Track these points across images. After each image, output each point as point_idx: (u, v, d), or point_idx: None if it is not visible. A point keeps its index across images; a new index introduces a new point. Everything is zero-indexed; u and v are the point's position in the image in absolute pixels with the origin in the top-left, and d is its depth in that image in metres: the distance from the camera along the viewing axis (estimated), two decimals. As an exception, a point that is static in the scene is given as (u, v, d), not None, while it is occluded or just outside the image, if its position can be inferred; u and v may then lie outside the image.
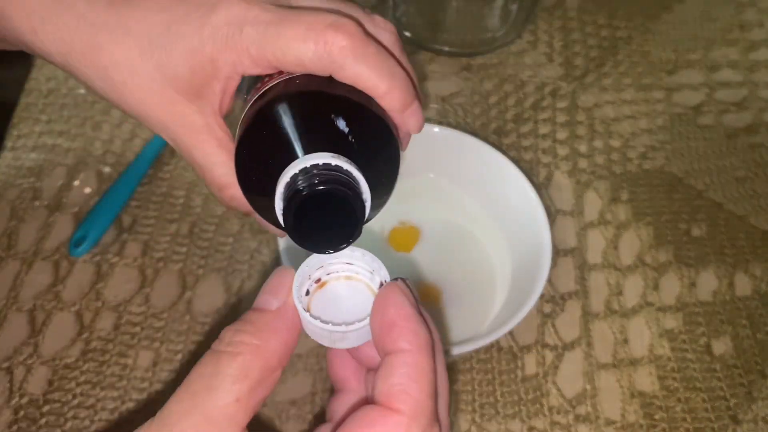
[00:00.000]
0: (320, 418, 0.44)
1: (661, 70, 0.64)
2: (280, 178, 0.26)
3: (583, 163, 0.57)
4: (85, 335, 0.47)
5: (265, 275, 0.49)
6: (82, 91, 0.60)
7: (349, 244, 0.27)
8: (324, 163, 0.25)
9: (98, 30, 0.28)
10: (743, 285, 0.51)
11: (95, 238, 0.50)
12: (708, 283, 0.51)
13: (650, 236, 0.53)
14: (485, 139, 0.49)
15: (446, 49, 0.64)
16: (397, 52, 0.30)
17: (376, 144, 0.28)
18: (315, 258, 0.28)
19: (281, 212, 0.26)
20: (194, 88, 0.28)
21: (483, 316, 0.47)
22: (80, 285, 0.49)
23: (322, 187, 0.24)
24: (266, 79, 0.29)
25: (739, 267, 0.52)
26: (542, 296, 0.49)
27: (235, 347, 0.24)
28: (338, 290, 0.28)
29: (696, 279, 0.51)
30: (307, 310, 0.26)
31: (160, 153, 0.56)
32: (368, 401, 0.24)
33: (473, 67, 0.63)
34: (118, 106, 0.30)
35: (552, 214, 0.54)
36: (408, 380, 0.23)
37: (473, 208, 0.52)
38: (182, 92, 0.28)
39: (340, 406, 0.28)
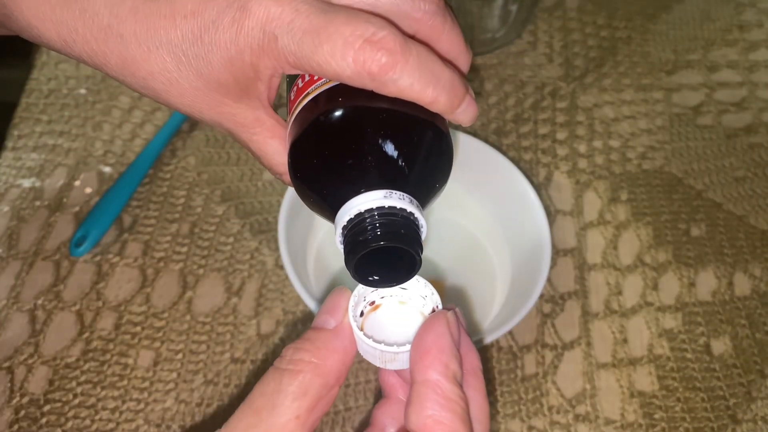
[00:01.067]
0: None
1: (660, 71, 0.64)
2: (339, 216, 0.26)
3: (582, 163, 0.57)
4: (85, 335, 0.47)
5: (266, 275, 0.49)
6: (82, 91, 0.60)
7: (406, 281, 0.28)
8: (378, 207, 0.25)
9: (128, 42, 0.27)
10: (742, 285, 0.51)
11: (96, 238, 0.50)
12: (707, 283, 0.51)
13: (649, 236, 0.53)
14: (485, 140, 0.49)
15: (446, 49, 0.64)
16: (439, 22, 0.29)
17: (430, 155, 0.28)
18: None
19: (342, 251, 0.26)
20: (239, 91, 0.28)
21: (483, 316, 0.47)
22: (81, 285, 0.49)
23: (383, 243, 0.25)
24: (307, 78, 0.29)
25: (738, 267, 0.52)
26: (542, 296, 0.49)
27: (295, 365, 0.25)
28: (391, 314, 0.29)
29: (695, 279, 0.51)
30: (360, 330, 0.27)
31: (161, 153, 0.56)
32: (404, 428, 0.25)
33: (473, 67, 0.63)
34: (166, 106, 0.30)
35: (552, 214, 0.54)
36: (440, 409, 0.24)
37: (473, 208, 0.52)
38: (228, 95, 0.29)
39: (383, 414, 0.29)
